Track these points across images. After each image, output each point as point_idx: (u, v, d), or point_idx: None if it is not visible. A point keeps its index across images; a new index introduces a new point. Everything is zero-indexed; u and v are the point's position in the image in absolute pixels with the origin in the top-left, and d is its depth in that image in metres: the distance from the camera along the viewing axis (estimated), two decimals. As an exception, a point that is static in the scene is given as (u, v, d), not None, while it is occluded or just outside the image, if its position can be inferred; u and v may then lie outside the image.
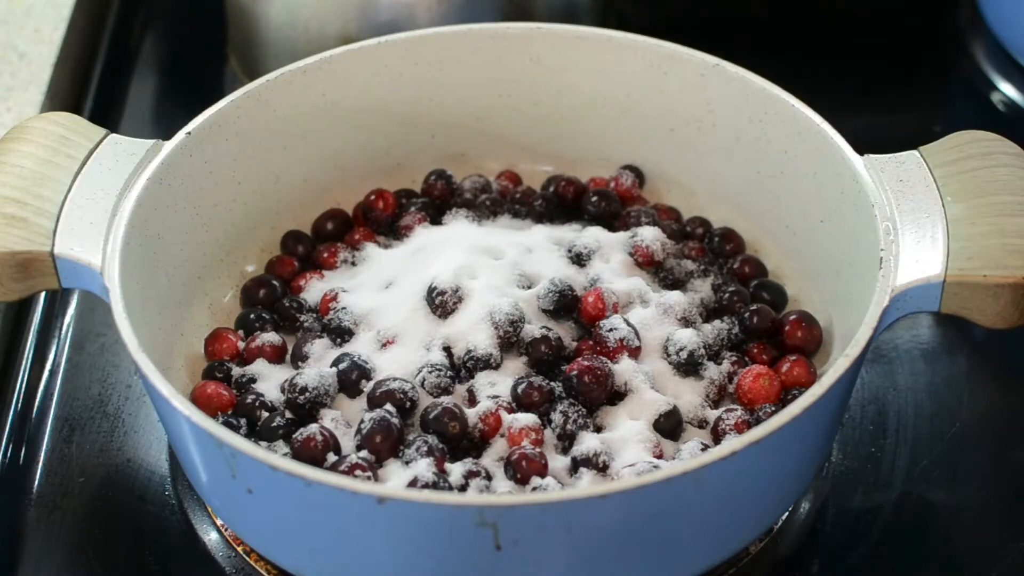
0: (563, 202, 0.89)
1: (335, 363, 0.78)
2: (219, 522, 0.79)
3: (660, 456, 0.74)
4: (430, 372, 0.77)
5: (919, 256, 0.74)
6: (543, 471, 0.73)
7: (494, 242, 0.83)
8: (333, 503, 0.66)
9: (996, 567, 0.77)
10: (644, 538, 0.68)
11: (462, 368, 0.78)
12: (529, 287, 0.81)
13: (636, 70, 0.88)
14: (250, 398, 0.78)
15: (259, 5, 1.02)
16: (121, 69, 1.11)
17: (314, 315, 0.83)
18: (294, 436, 0.75)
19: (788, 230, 0.86)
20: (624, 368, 0.77)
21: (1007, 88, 1.06)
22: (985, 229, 0.75)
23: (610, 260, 0.83)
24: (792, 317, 0.81)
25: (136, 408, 0.85)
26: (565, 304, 0.80)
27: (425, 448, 0.73)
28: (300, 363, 0.80)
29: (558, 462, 0.74)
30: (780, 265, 0.87)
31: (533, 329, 0.78)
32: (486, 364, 0.78)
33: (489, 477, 0.73)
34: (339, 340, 0.81)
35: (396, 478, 0.73)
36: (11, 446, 0.84)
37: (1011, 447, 0.83)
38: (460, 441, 0.75)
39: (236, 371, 0.80)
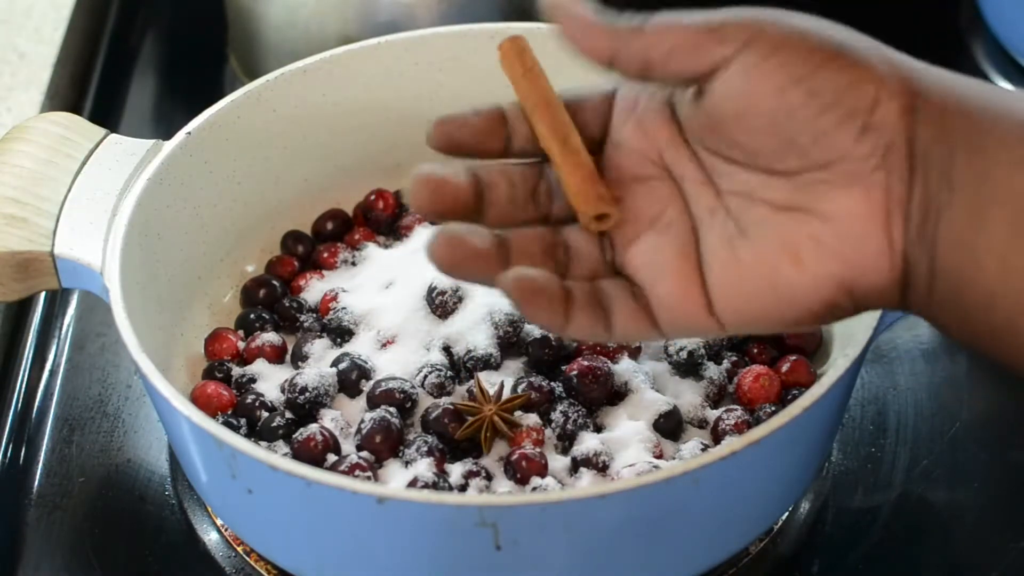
0: (563, 202, 0.89)
1: (335, 363, 0.78)
2: (219, 522, 0.79)
3: (660, 456, 0.74)
4: (430, 372, 0.77)
5: (919, 256, 0.74)
6: (543, 471, 0.73)
7: (494, 242, 0.83)
8: (333, 503, 0.66)
9: (996, 567, 0.77)
10: (644, 538, 0.68)
11: (462, 368, 0.78)
12: (529, 287, 0.81)
13: (636, 70, 0.87)
14: (250, 398, 0.78)
15: (259, 5, 1.02)
16: (121, 69, 1.11)
17: (314, 315, 0.83)
18: (294, 436, 0.75)
19: (788, 230, 0.86)
20: (624, 368, 0.77)
21: (1007, 88, 1.06)
22: (985, 229, 0.74)
23: (610, 260, 0.83)
24: (792, 317, 0.81)
25: (136, 408, 0.85)
26: (565, 304, 0.80)
27: (425, 448, 0.73)
28: (300, 363, 0.80)
29: (558, 462, 0.74)
30: (780, 265, 0.86)
31: (533, 329, 0.78)
32: (486, 364, 0.78)
33: (489, 477, 0.73)
34: (339, 340, 0.81)
35: (396, 478, 0.73)
36: (11, 446, 0.84)
37: (1011, 447, 0.83)
38: (460, 442, 0.75)
39: (236, 371, 0.80)
